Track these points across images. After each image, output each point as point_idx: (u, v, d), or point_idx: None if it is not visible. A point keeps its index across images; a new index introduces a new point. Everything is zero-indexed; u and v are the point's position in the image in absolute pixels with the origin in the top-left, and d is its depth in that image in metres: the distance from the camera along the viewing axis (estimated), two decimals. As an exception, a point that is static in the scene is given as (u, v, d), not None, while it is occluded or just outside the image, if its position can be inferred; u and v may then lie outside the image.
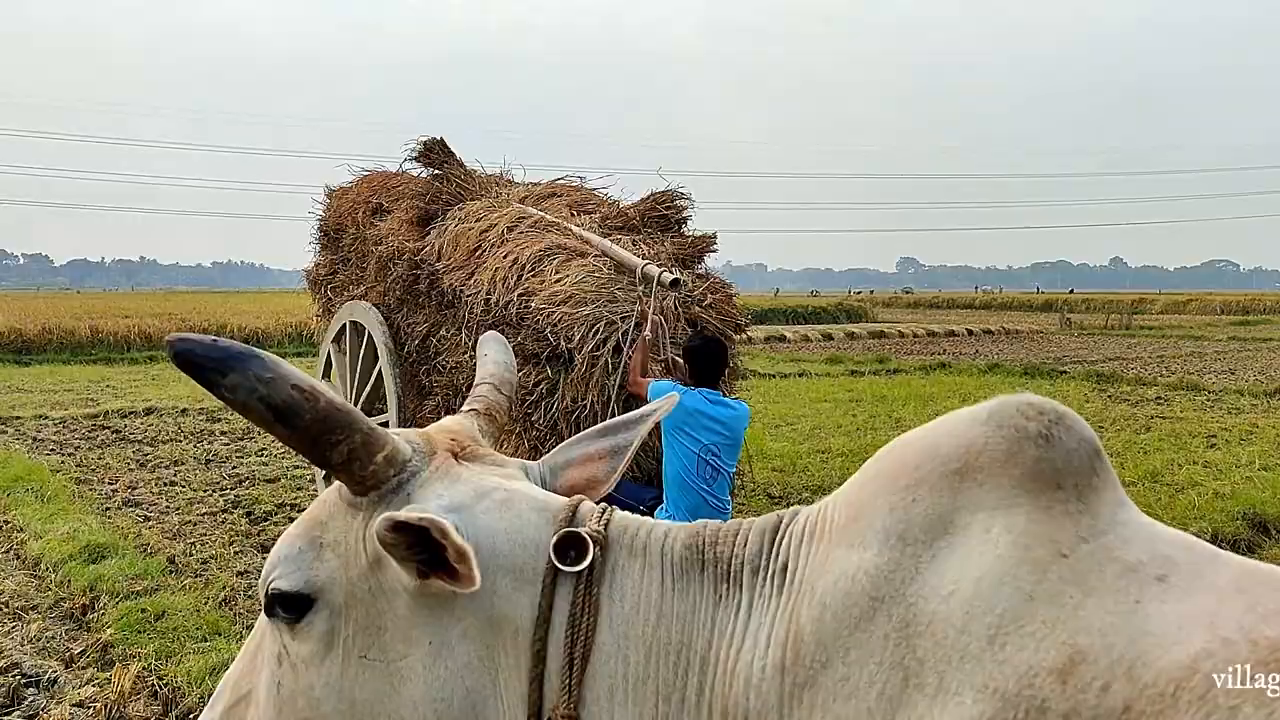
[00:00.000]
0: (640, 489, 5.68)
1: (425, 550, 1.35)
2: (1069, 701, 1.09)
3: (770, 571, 1.40)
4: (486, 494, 1.48)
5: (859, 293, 79.96)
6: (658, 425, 5.50)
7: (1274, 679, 1.02)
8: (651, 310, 5.71)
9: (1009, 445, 1.27)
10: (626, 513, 1.53)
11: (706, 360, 5.46)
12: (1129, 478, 9.23)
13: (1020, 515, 1.23)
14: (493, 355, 1.94)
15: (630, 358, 5.68)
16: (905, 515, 1.28)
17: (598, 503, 1.55)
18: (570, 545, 1.43)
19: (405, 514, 1.32)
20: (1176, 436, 11.84)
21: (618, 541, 1.47)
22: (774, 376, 18.54)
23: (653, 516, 5.41)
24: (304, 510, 1.60)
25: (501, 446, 6.18)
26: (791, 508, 1.50)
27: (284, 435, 1.36)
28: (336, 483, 1.50)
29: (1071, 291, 74.69)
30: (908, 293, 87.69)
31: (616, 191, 7.47)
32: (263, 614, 1.53)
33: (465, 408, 1.77)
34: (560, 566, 1.41)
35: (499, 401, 1.84)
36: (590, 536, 1.43)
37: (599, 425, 1.77)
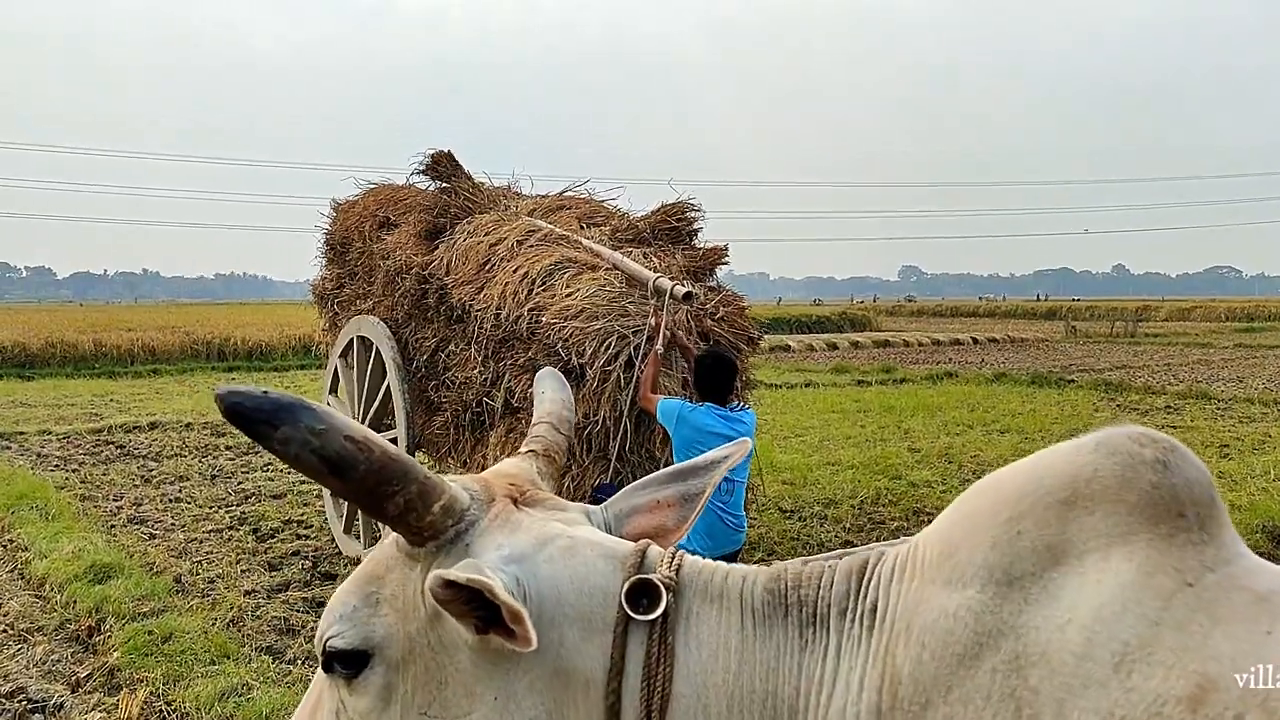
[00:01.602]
0: None
1: (482, 606, 1.29)
2: None
3: (859, 612, 1.35)
4: (549, 541, 1.42)
5: (862, 301, 79.90)
6: (669, 442, 5.45)
7: None
8: (663, 324, 5.64)
9: (1122, 471, 1.22)
10: (698, 558, 1.46)
11: (713, 375, 5.42)
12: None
13: (1140, 543, 1.19)
14: (550, 393, 1.84)
15: (642, 372, 5.61)
16: (1010, 549, 1.24)
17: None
18: (642, 592, 1.36)
19: (455, 573, 1.27)
20: (1190, 447, 11.72)
21: (691, 586, 1.40)
22: (780, 387, 18.46)
23: None
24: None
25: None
26: (876, 547, 1.43)
27: (338, 487, 1.31)
28: (393, 534, 1.44)
29: (1076, 299, 74.51)
30: (910, 301, 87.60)
31: (625, 202, 7.41)
32: (320, 669, 1.48)
33: (524, 449, 1.68)
34: (632, 615, 1.35)
35: (558, 442, 1.74)
36: (662, 583, 1.37)
37: (668, 470, 1.68)
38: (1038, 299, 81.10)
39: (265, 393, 1.24)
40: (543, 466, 1.67)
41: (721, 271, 6.97)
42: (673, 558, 1.42)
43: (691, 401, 5.40)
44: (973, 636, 1.22)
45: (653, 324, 5.60)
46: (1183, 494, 1.21)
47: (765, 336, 6.82)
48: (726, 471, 1.67)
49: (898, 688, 1.27)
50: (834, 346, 32.76)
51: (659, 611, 1.35)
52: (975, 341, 35.28)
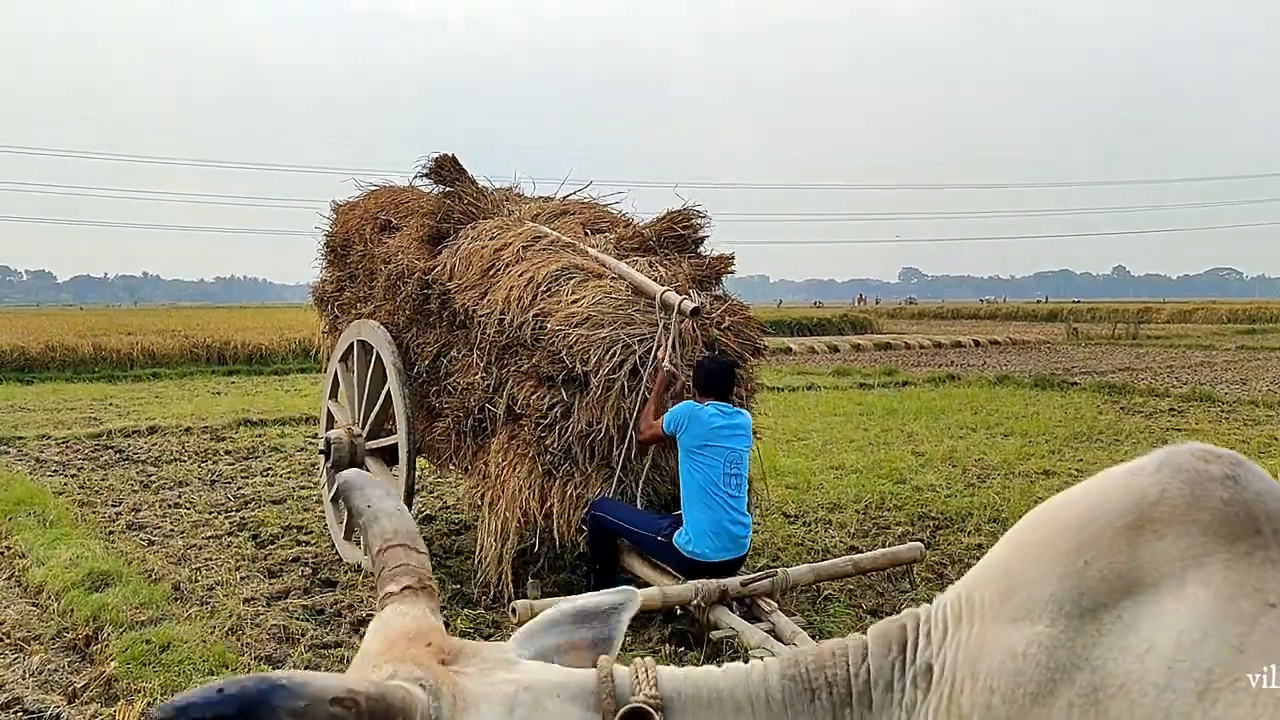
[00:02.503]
0: (657, 518, 5.57)
1: None
2: None
3: (911, 677, 1.27)
4: (513, 705, 1.26)
5: (863, 302, 79.87)
6: (676, 448, 5.39)
7: None
8: (669, 346, 5.62)
9: (1190, 490, 1.18)
10: (673, 667, 1.33)
11: (715, 377, 5.49)
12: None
13: (1217, 564, 1.15)
14: (380, 507, 1.50)
15: (648, 393, 5.57)
16: (1079, 581, 1.19)
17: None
18: None
19: None
20: (1194, 450, 11.67)
21: (680, 698, 1.28)
22: (782, 390, 18.37)
23: (671, 543, 5.29)
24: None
25: (515, 469, 6.03)
26: (908, 611, 1.36)
27: None
28: None
29: (1077, 302, 74.52)
30: (911, 303, 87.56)
31: (627, 206, 7.36)
32: None
33: (396, 587, 1.39)
34: None
35: (423, 562, 1.46)
36: (649, 705, 1.25)
37: (572, 608, 1.49)
38: (1040, 301, 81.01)
39: (221, 690, 1.04)
40: (429, 602, 1.42)
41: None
42: (646, 672, 1.30)
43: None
44: (1045, 673, 1.17)
45: (658, 355, 5.58)
46: (1257, 509, 1.17)
47: (765, 339, 6.77)
48: (629, 619, 1.49)
49: None
50: (835, 349, 32.69)
51: None
52: (977, 344, 35.21)
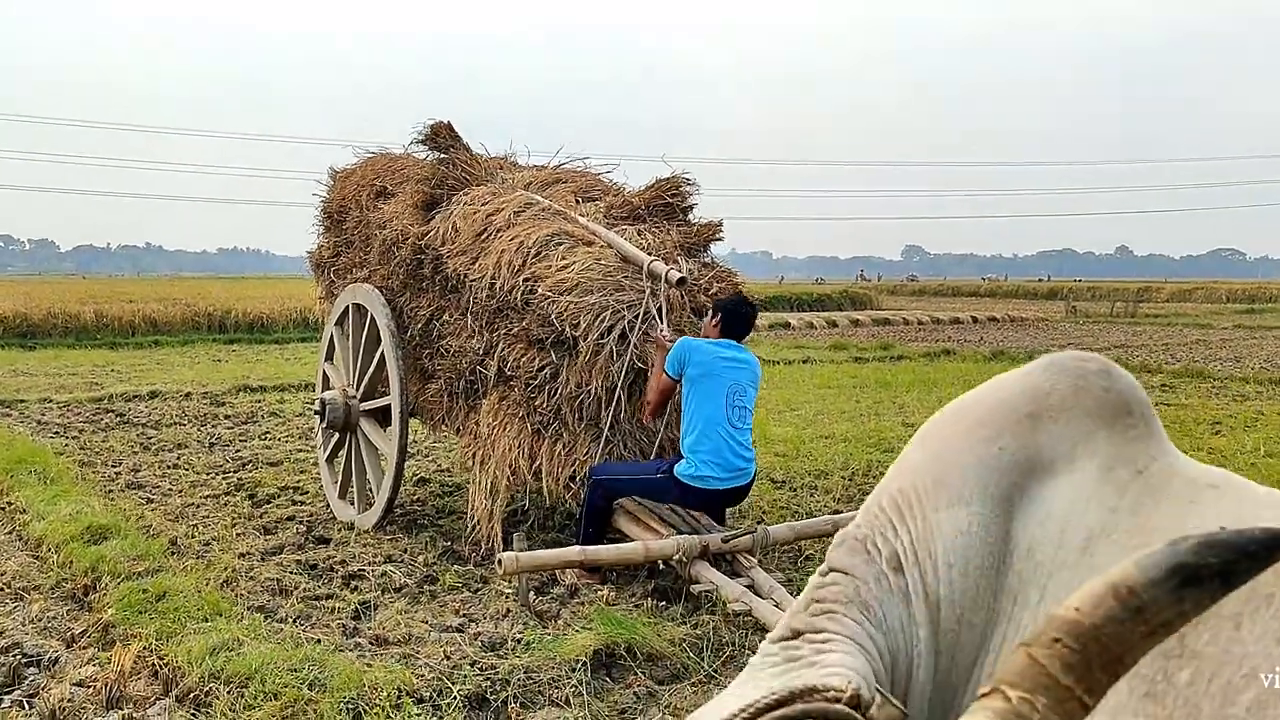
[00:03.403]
0: (655, 463, 5.71)
1: None
2: None
3: (883, 569, 1.41)
4: None
5: (866, 280, 79.77)
6: (674, 387, 5.45)
7: None
8: (665, 320, 5.75)
9: (1075, 383, 1.43)
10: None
11: (733, 316, 5.66)
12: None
13: (1100, 441, 1.39)
14: None
15: (637, 361, 5.69)
16: (996, 464, 1.42)
17: None
18: None
19: None
20: (1181, 423, 11.80)
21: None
22: (778, 363, 18.49)
23: (672, 475, 5.39)
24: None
25: (505, 429, 6.17)
26: (844, 529, 1.51)
27: None
28: None
29: (1078, 280, 74.44)
30: (913, 280, 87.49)
31: (620, 176, 7.44)
32: None
33: None
34: None
35: None
36: None
37: None
38: (1040, 280, 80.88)
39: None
40: None
41: (723, 249, 7.04)
42: None
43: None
44: (983, 547, 1.39)
45: (661, 330, 5.69)
46: (1128, 395, 1.43)
47: (765, 314, 6.89)
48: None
49: (938, 613, 1.39)
50: (834, 324, 32.82)
51: None
52: (975, 320, 35.33)
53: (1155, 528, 1.29)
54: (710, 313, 5.77)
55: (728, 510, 5.94)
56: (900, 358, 20.36)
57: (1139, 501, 1.33)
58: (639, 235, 6.25)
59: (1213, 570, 0.83)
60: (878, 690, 1.20)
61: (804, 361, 19.32)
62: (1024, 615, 1.33)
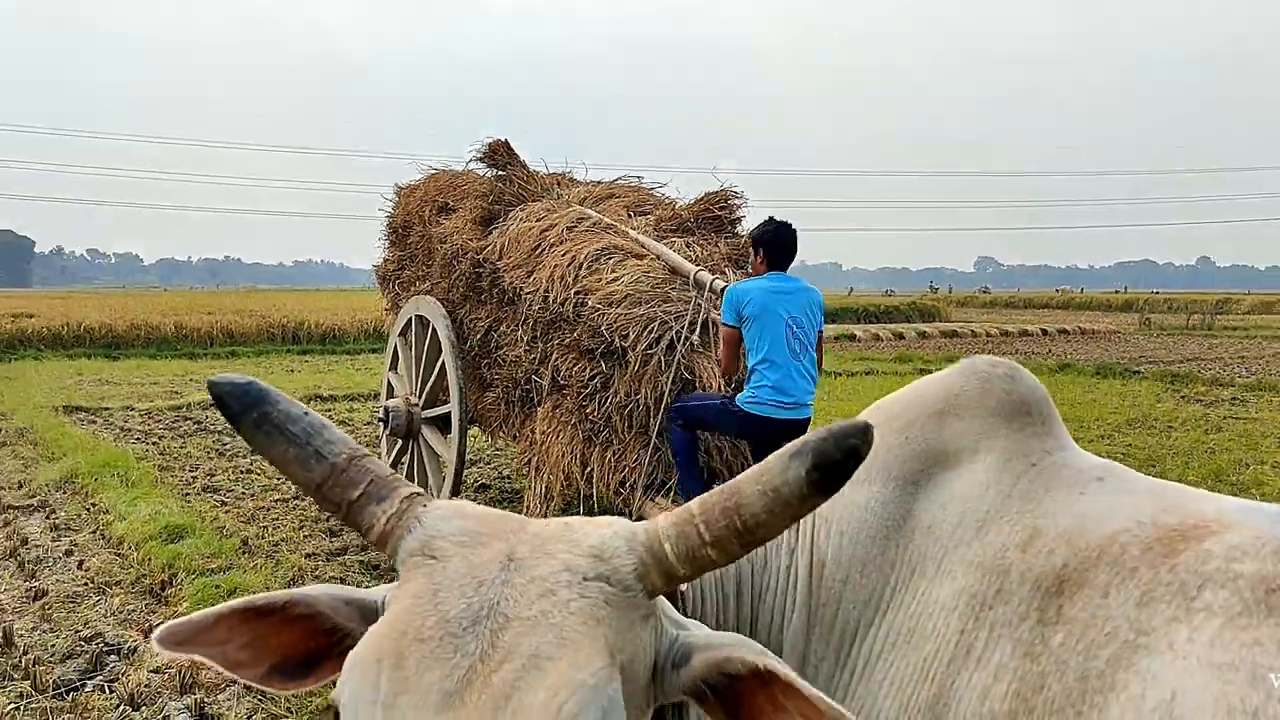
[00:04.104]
0: (721, 395, 5.71)
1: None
2: (1025, 564, 1.42)
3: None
4: None
5: (935, 291, 78.94)
6: (737, 335, 5.52)
7: (1164, 547, 1.34)
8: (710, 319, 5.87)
9: (981, 385, 1.62)
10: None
11: (775, 245, 5.62)
12: (1193, 477, 9.14)
13: (1000, 438, 1.57)
14: (317, 417, 1.38)
15: (685, 370, 5.81)
16: (902, 452, 1.61)
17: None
18: None
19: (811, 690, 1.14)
20: (1248, 437, 11.66)
21: None
22: (841, 375, 18.56)
23: (732, 403, 5.46)
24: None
25: (559, 436, 6.38)
26: None
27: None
28: (606, 592, 1.16)
29: (1155, 292, 72.84)
30: (985, 292, 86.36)
31: (672, 190, 7.65)
32: None
33: (403, 493, 1.32)
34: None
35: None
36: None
37: None
38: (1116, 291, 79.28)
39: None
40: None
41: (794, 261, 7.16)
42: None
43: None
44: (879, 523, 1.58)
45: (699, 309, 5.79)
46: (1028, 398, 1.61)
47: (832, 325, 7.03)
48: None
49: (822, 572, 1.60)
50: (900, 336, 32.58)
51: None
52: (1045, 333, 34.78)
53: (1044, 512, 1.47)
54: (752, 251, 5.73)
55: None
56: (964, 370, 20.24)
57: (1030, 489, 1.50)
58: (687, 247, 6.43)
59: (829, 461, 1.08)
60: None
61: (867, 373, 19.33)
62: (920, 583, 1.51)
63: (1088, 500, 1.47)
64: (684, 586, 1.51)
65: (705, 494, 1.15)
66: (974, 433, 1.58)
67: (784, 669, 1.14)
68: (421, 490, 1.35)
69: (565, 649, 1.08)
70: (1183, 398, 15.77)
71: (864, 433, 1.06)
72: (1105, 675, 1.27)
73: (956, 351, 24.70)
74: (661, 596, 1.23)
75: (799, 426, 5.49)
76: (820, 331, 5.64)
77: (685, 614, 1.46)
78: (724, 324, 5.52)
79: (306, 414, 1.35)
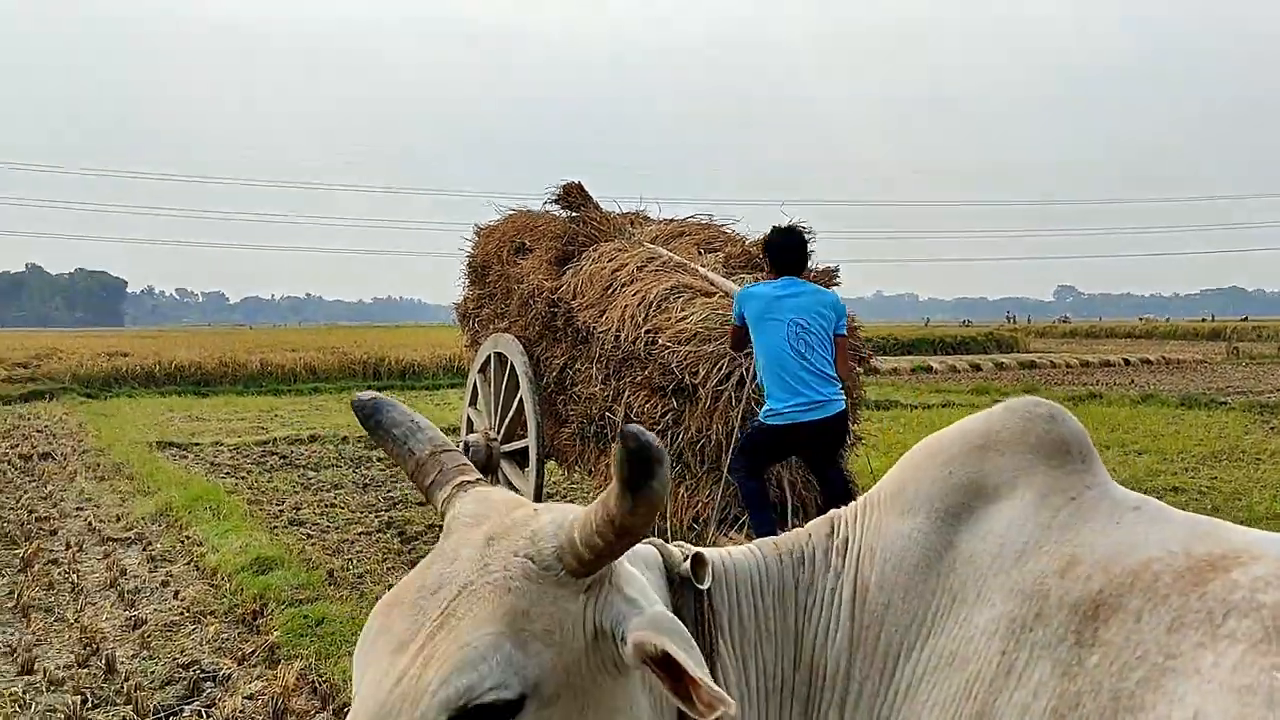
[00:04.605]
0: (744, 436, 5.79)
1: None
2: (1063, 589, 1.51)
3: (834, 547, 1.78)
4: (635, 557, 1.62)
5: (1012, 321, 77.69)
6: (742, 331, 5.60)
7: (1194, 576, 1.44)
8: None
9: (1023, 424, 1.71)
10: (701, 548, 1.79)
11: (779, 250, 5.74)
12: (1279, 510, 8.99)
13: (1039, 474, 1.66)
14: (420, 419, 1.73)
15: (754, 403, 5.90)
16: (945, 485, 1.70)
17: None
18: (695, 569, 1.68)
19: (684, 658, 1.30)
20: (1342, 473, 11.35)
21: (710, 563, 1.74)
22: (916, 407, 18.42)
23: (761, 423, 5.53)
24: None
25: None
26: (841, 508, 1.87)
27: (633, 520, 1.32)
28: (524, 566, 1.39)
29: (1244, 319, 70.79)
30: (1064, 321, 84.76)
31: (743, 226, 7.78)
32: None
33: (471, 477, 1.63)
34: (698, 586, 1.66)
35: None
36: (706, 557, 1.72)
37: None
38: (1204, 320, 77.18)
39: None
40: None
41: (868, 291, 7.32)
42: (683, 545, 1.76)
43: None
44: (921, 551, 1.67)
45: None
46: (1068, 438, 1.69)
47: (908, 357, 7.09)
48: None
49: (866, 595, 1.70)
50: (978, 368, 32.13)
51: (709, 580, 1.69)
52: (1127, 363, 33.98)
53: (1082, 541, 1.56)
54: (765, 257, 5.87)
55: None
56: (1043, 402, 19.92)
57: (1069, 521, 1.59)
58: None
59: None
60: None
61: (944, 405, 19.14)
62: (962, 610, 1.60)
63: (1124, 529, 1.55)
64: (706, 585, 1.66)
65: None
66: (1014, 468, 1.66)
67: (677, 650, 1.31)
68: (473, 478, 1.62)
69: (472, 612, 1.35)
70: (1271, 429, 15.38)
71: (642, 442, 1.26)
72: (1135, 696, 1.36)
73: (1035, 383, 24.37)
74: (621, 574, 1.47)
75: (831, 425, 5.49)
76: (842, 336, 5.63)
77: (714, 613, 1.66)
78: (731, 324, 5.66)
79: (412, 419, 1.70)
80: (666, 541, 1.76)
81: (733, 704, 1.28)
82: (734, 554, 1.81)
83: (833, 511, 1.87)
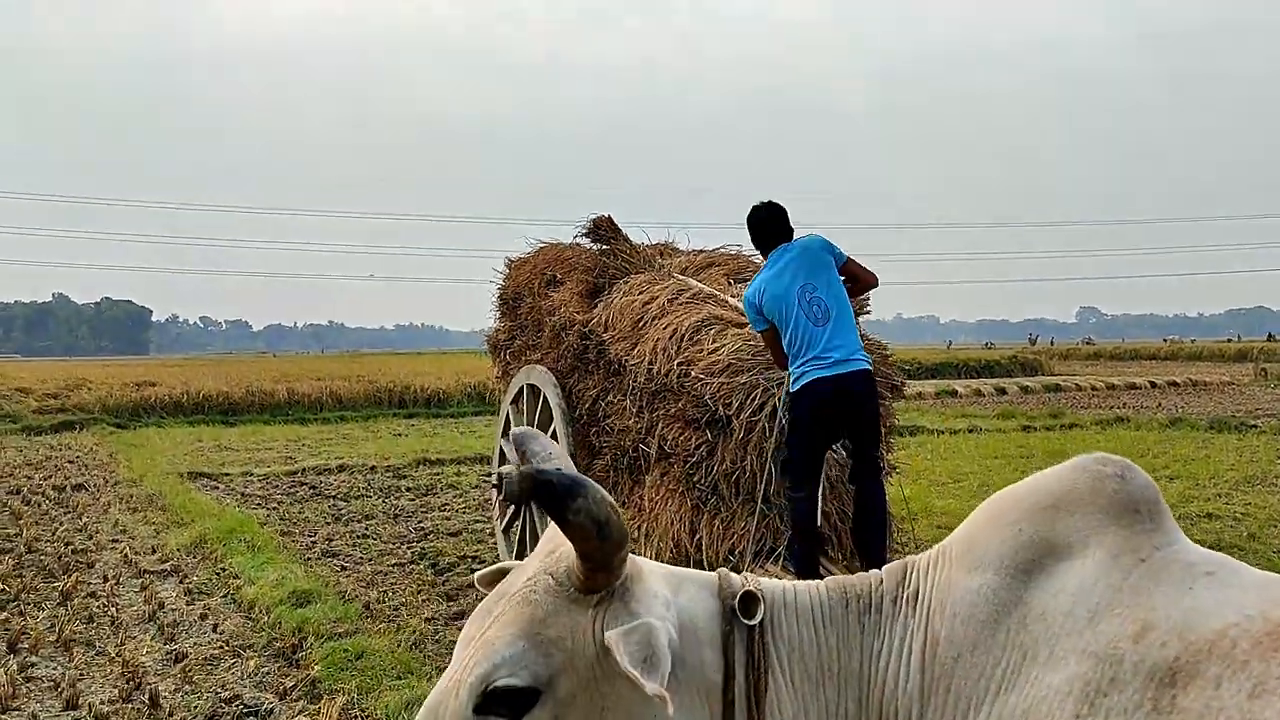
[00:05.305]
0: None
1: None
2: (1139, 654, 1.52)
3: (904, 597, 1.82)
4: (673, 581, 1.79)
5: (1034, 343, 77.22)
6: (771, 333, 5.61)
7: (1273, 641, 1.45)
8: None
9: (1092, 484, 1.73)
10: (766, 577, 1.86)
11: (757, 227, 5.76)
12: (1315, 538, 8.90)
13: (1109, 534, 1.67)
14: (556, 449, 2.08)
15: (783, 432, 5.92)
16: (1015, 543, 1.73)
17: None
18: (744, 603, 1.76)
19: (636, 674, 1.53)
20: (1374, 496, 11.24)
21: (768, 594, 1.81)
22: (943, 432, 18.36)
23: (791, 399, 5.54)
24: (483, 560, 1.95)
25: (667, 504, 6.54)
26: (911, 557, 1.91)
27: (595, 548, 1.59)
28: (546, 582, 1.68)
29: (1270, 338, 70.10)
30: (1088, 343, 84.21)
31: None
32: (470, 711, 1.62)
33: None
34: (746, 621, 1.74)
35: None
36: (755, 591, 1.78)
37: None
38: (1230, 340, 76.47)
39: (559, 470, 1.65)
40: None
41: (890, 315, 7.33)
42: (748, 575, 1.83)
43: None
44: (991, 608, 1.70)
45: None
46: (1137, 496, 1.71)
47: (931, 381, 7.10)
48: None
49: (936, 648, 1.73)
50: (1002, 391, 32.02)
51: (759, 616, 1.75)
52: (1153, 385, 33.69)
53: (1154, 605, 1.57)
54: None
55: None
56: (1071, 426, 19.85)
57: (1140, 584, 1.61)
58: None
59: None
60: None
61: (970, 430, 19.07)
62: (1033, 668, 1.62)
63: (1197, 595, 1.56)
64: (759, 617, 1.75)
65: None
66: (1085, 528, 1.68)
67: (616, 649, 1.55)
68: None
69: (505, 616, 1.67)
70: (1303, 453, 15.23)
71: (539, 480, 1.59)
72: None
73: (1061, 407, 24.23)
74: (636, 592, 1.68)
75: (858, 381, 5.45)
76: (843, 262, 5.63)
77: (770, 644, 1.75)
78: (754, 330, 5.68)
79: (550, 456, 2.00)
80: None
81: (669, 705, 1.50)
82: (798, 589, 1.86)
83: (898, 563, 1.91)
